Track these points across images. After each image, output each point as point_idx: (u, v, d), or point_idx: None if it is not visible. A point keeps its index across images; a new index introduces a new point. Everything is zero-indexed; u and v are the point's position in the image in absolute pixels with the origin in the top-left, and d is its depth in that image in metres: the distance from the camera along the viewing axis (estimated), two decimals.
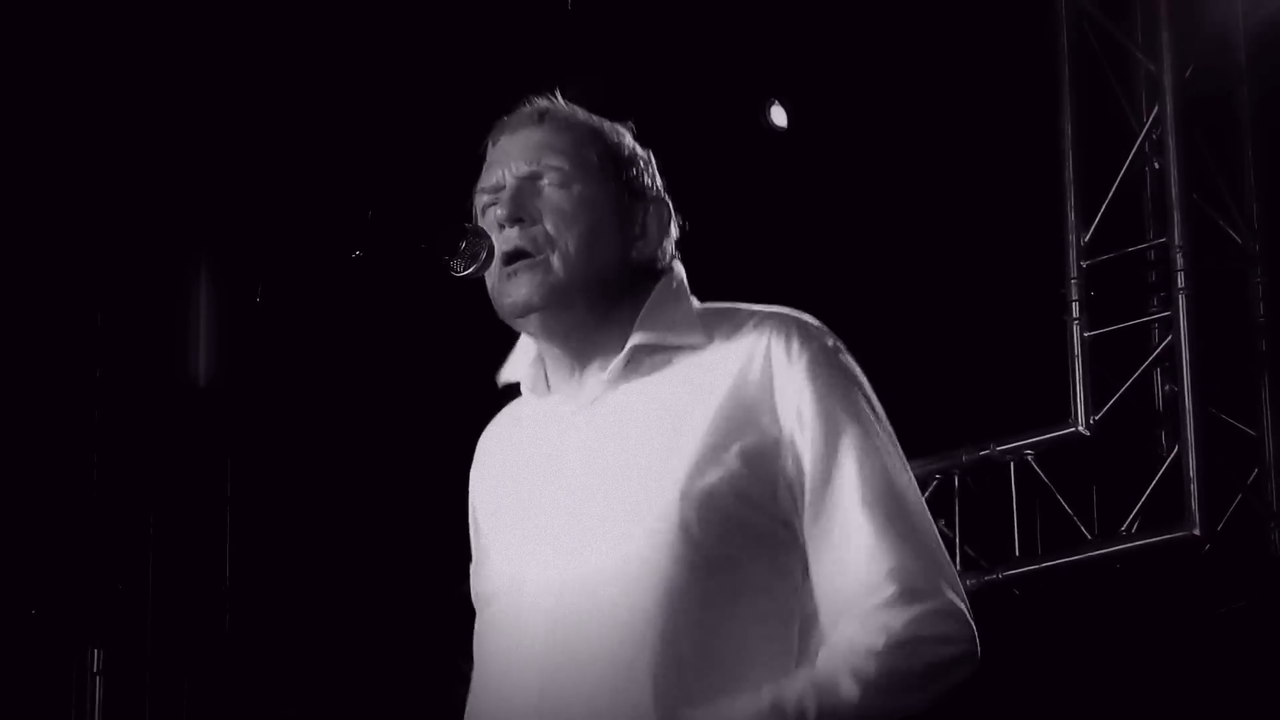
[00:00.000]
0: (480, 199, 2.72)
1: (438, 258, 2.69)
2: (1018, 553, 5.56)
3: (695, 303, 2.74)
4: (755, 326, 2.67)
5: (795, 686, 2.54)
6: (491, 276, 2.68)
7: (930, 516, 2.64)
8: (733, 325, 2.68)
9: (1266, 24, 5.67)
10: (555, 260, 2.66)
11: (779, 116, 6.12)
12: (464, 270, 2.69)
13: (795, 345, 2.63)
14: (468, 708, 2.74)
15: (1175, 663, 5.22)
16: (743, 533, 2.59)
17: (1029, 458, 5.82)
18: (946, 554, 2.64)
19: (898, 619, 2.54)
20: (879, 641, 2.53)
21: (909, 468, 2.64)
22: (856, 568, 2.58)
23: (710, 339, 2.68)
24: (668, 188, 2.82)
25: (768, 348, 2.63)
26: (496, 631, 2.71)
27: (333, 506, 5.70)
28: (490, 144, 2.75)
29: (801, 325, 2.65)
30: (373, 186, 5.10)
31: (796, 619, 2.60)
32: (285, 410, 5.52)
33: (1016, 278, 5.77)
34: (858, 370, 2.66)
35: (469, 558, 2.88)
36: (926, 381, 5.05)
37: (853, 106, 5.94)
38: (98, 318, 5.47)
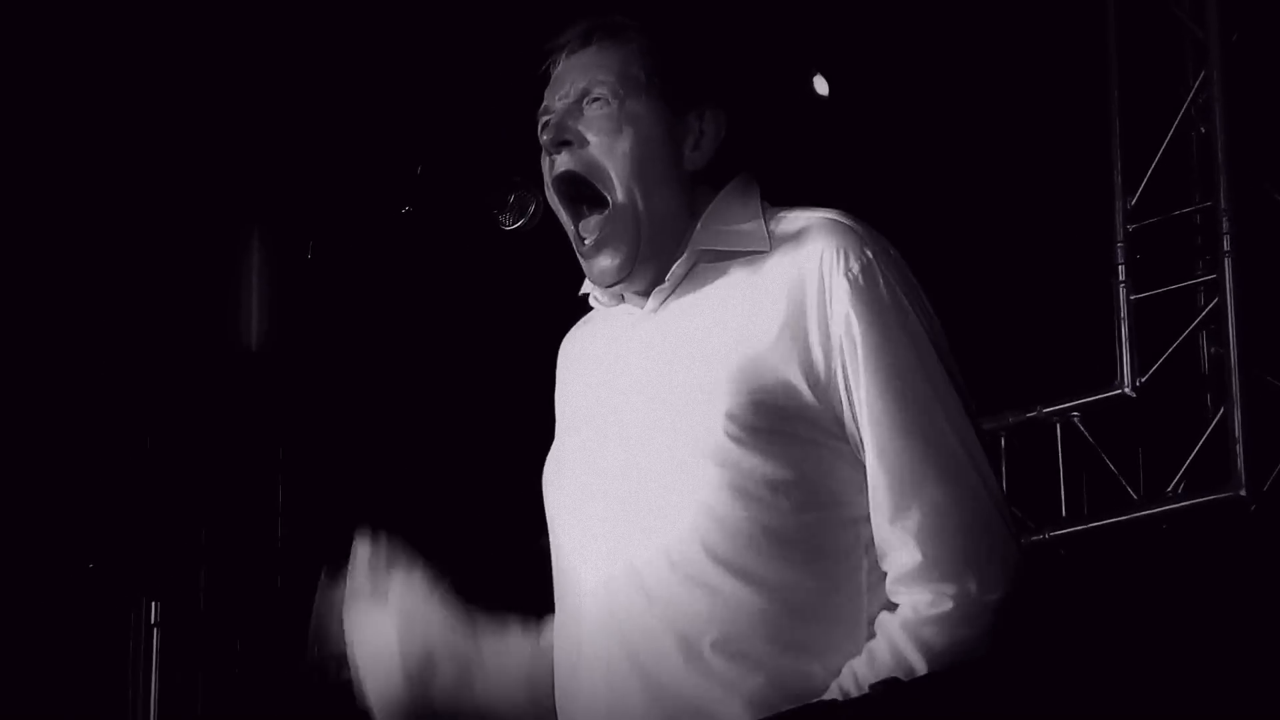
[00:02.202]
0: (540, 123, 2.75)
1: (487, 212, 2.73)
2: (1064, 513, 5.54)
3: (763, 207, 2.74)
4: (809, 231, 2.66)
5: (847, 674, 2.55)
6: (571, 236, 2.71)
7: (980, 446, 2.60)
8: (792, 231, 2.68)
9: None
10: (618, 193, 2.69)
11: (821, 86, 6.03)
12: (513, 224, 2.73)
13: (848, 251, 2.61)
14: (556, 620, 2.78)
15: (1221, 622, 5.16)
16: (789, 445, 2.59)
17: (1075, 419, 5.75)
18: (996, 495, 2.61)
19: (944, 594, 2.54)
20: (913, 639, 2.54)
21: (963, 388, 2.60)
22: (914, 499, 2.56)
23: (771, 245, 2.68)
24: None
25: (820, 253, 2.62)
26: (566, 553, 2.74)
27: (385, 464, 5.67)
28: (549, 64, 2.78)
29: (857, 236, 2.63)
30: (422, 142, 5.02)
31: (862, 540, 2.60)
32: (338, 369, 5.51)
33: (1063, 241, 5.71)
34: (911, 280, 2.64)
35: (531, 514, 2.88)
36: (973, 344, 5.08)
37: (899, 71, 5.90)
38: (154, 279, 5.48)
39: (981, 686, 2.60)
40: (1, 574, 5.52)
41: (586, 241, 2.72)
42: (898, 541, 2.59)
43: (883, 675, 2.52)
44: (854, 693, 2.53)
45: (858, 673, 2.57)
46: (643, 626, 2.62)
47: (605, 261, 2.72)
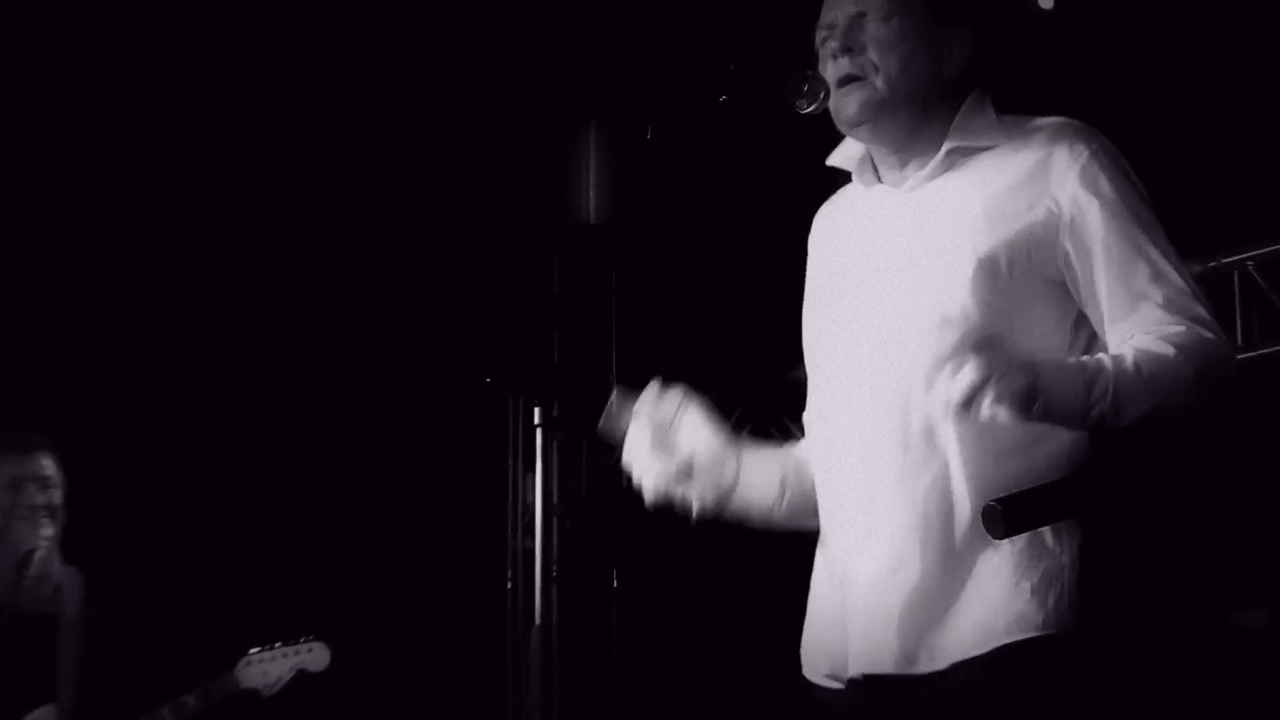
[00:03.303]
0: (819, 35, 2.91)
1: (786, 99, 2.85)
2: (1240, 341, 5.73)
3: (995, 113, 2.90)
4: (1044, 130, 2.84)
5: (1097, 356, 2.68)
6: (831, 99, 2.87)
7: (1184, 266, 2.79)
8: (1026, 129, 2.86)
9: None
10: (879, 81, 2.84)
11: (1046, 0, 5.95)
12: (807, 108, 2.85)
13: (1077, 144, 2.79)
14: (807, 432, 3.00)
15: None
16: (1024, 289, 2.75)
17: (1250, 267, 5.90)
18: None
19: (1179, 325, 2.69)
20: (1164, 338, 2.68)
21: (1166, 236, 2.79)
22: (1147, 305, 2.72)
23: (1008, 140, 2.85)
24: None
25: (1054, 145, 2.80)
26: (826, 377, 2.94)
27: (707, 309, 6.03)
28: None
29: (1082, 129, 2.83)
30: (733, 43, 5.23)
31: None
32: (669, 235, 5.92)
33: (1237, 113, 5.73)
34: (1126, 163, 2.80)
35: (789, 350, 3.05)
36: (1166, 202, 4.95)
37: None
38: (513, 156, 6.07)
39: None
40: (411, 386, 6.18)
41: (841, 89, 2.83)
42: (1141, 313, 2.70)
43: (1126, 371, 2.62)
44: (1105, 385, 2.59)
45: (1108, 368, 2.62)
46: (892, 420, 2.78)
47: (851, 107, 2.84)
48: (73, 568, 4.87)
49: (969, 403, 2.53)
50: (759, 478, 3.01)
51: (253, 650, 4.80)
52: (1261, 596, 5.52)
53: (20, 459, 4.80)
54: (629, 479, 2.93)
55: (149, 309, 6.07)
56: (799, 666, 2.96)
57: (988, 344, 2.55)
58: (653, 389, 2.92)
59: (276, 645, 4.83)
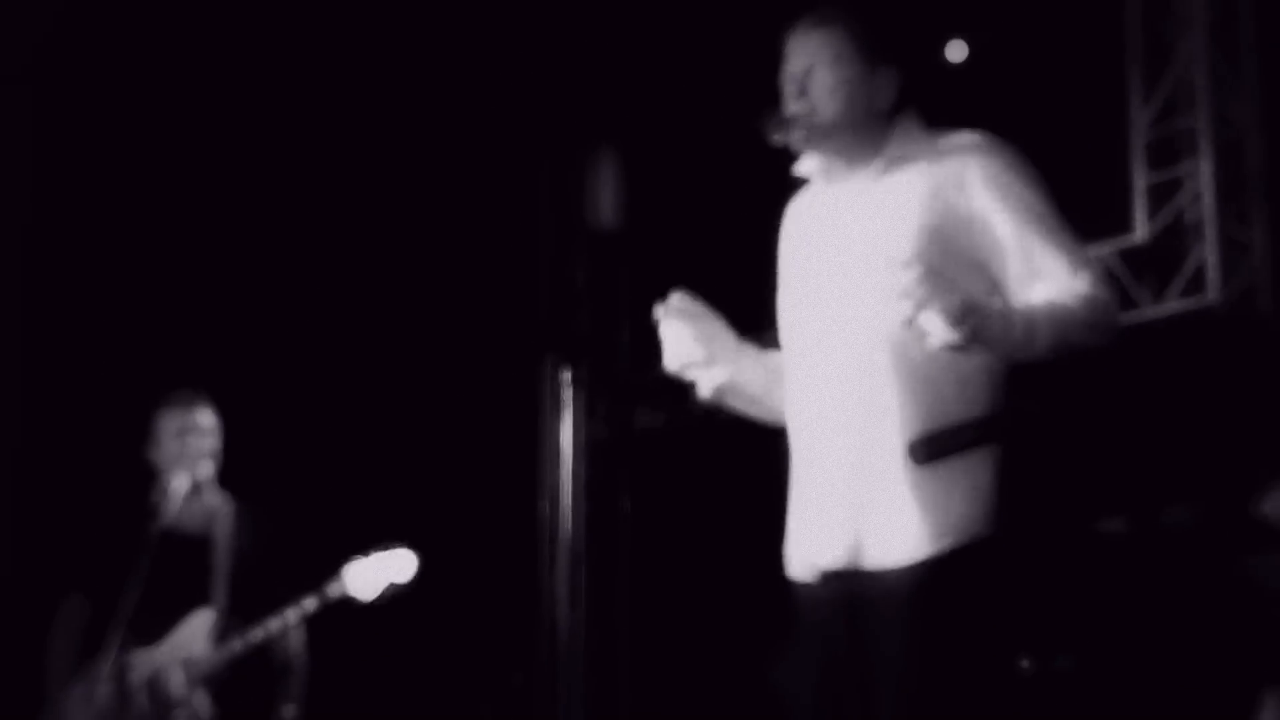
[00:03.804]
0: (782, 82, 3.16)
1: (761, 132, 3.11)
2: None
3: (921, 129, 3.16)
4: (962, 142, 3.09)
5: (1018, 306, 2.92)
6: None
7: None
8: (949, 142, 3.11)
9: None
10: (823, 119, 3.09)
11: (956, 52, 6.32)
12: (777, 140, 3.12)
13: (989, 154, 3.05)
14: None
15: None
16: (950, 265, 2.96)
17: (1105, 258, 6.36)
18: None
19: (1077, 290, 2.93)
20: (1064, 293, 2.92)
21: (1063, 220, 3.04)
22: (1051, 272, 2.95)
23: (934, 149, 3.09)
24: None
25: (969, 154, 3.05)
26: (798, 333, 3.17)
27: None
28: (788, 43, 3.16)
29: (992, 141, 3.09)
30: (720, 87, 5.35)
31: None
32: (669, 236, 6.31)
33: (1097, 145, 6.27)
34: (1030, 166, 3.06)
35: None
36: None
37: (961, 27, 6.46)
38: (546, 172, 6.76)
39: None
40: (472, 355, 6.69)
41: (795, 125, 3.07)
42: (1047, 282, 2.91)
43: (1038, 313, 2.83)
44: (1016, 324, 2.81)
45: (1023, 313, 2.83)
46: (854, 364, 3.00)
47: (801, 139, 3.08)
48: (227, 498, 5.22)
49: (918, 311, 2.76)
50: (755, 372, 3.21)
51: (354, 558, 4.94)
52: (1119, 509, 5.86)
53: (186, 412, 5.16)
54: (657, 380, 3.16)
55: (279, 309, 6.64)
56: (782, 566, 3.17)
57: (927, 274, 2.82)
58: (683, 297, 3.15)
59: (371, 554, 4.95)
